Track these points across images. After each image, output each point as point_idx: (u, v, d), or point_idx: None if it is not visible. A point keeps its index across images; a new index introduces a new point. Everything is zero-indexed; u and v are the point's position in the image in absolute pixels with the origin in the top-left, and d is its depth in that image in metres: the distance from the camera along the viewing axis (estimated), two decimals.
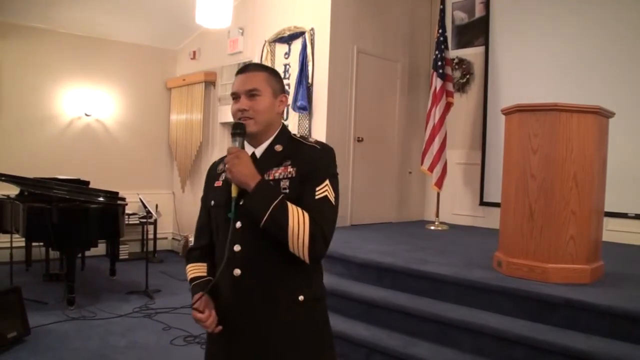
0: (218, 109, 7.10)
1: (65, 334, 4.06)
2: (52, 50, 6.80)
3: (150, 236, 6.91)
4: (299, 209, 1.48)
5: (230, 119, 6.40)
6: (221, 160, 1.73)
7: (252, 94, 1.58)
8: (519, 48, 5.50)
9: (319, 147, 1.60)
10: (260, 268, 1.53)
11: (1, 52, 6.46)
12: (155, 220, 6.64)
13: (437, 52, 5.53)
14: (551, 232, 3.11)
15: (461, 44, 6.08)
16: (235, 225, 1.53)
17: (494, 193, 5.45)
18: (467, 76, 5.98)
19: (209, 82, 7.16)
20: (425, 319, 3.14)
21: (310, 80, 5.23)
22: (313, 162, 1.56)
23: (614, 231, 4.71)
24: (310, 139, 1.65)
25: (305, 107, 5.21)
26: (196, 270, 1.70)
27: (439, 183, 5.44)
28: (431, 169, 5.42)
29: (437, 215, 5.61)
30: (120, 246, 6.61)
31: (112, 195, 5.27)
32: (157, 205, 7.13)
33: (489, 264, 3.55)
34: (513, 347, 2.75)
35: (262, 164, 1.57)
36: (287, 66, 5.56)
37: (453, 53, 5.97)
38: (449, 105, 5.52)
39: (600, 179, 3.26)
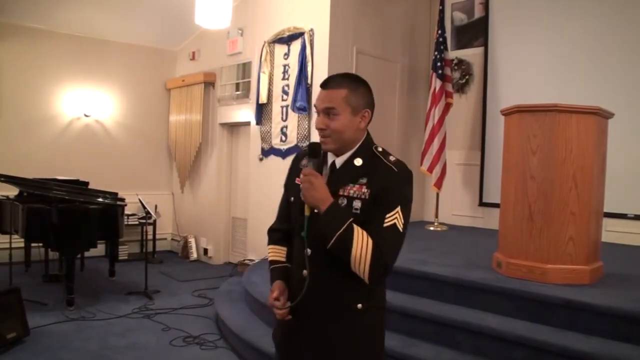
0: (217, 110, 7.10)
1: (65, 335, 4.06)
2: (52, 51, 6.80)
3: (150, 237, 6.91)
4: (365, 235, 1.52)
5: (230, 120, 6.41)
6: (306, 153, 1.76)
7: (329, 112, 1.60)
8: (518, 49, 5.50)
9: (396, 169, 1.60)
10: (325, 273, 1.61)
11: (1, 52, 6.45)
12: (155, 220, 6.63)
13: (436, 53, 5.53)
14: (550, 233, 3.11)
15: (460, 44, 6.08)
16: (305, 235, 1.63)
17: (493, 194, 5.45)
18: (467, 77, 5.98)
19: (209, 83, 7.17)
20: (425, 320, 3.14)
21: (309, 81, 5.23)
22: (387, 185, 1.57)
23: (613, 232, 4.71)
24: (391, 157, 1.64)
25: (305, 108, 5.21)
26: (276, 254, 1.81)
27: (439, 184, 5.44)
28: (430, 169, 5.42)
29: (437, 216, 5.62)
30: (120, 247, 6.62)
31: (112, 196, 5.27)
32: (156, 206, 7.13)
33: (488, 264, 3.55)
34: (513, 347, 2.75)
35: (340, 176, 1.63)
36: (287, 67, 5.56)
37: (452, 54, 5.97)
38: (448, 106, 5.52)
39: (599, 179, 3.26)
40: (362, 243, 1.50)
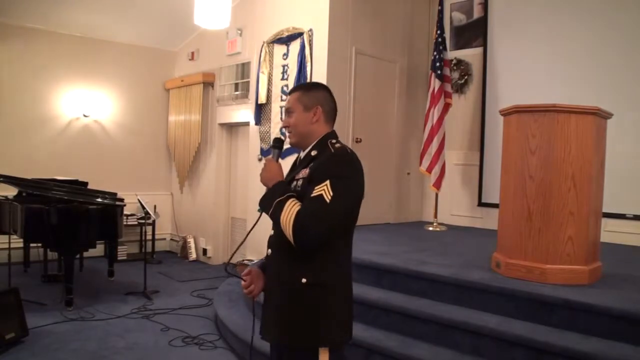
0: (217, 110, 7.10)
1: (64, 335, 4.06)
2: (51, 51, 6.80)
3: (149, 237, 6.91)
4: (294, 205, 1.72)
5: (229, 120, 6.46)
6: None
7: (288, 112, 1.93)
8: (517, 49, 5.50)
9: (333, 151, 1.81)
10: (280, 250, 1.84)
11: (0, 53, 6.45)
12: (154, 221, 6.63)
13: (435, 53, 5.54)
14: (549, 233, 3.11)
15: (459, 45, 6.09)
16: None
17: (492, 194, 5.46)
18: (466, 77, 5.98)
19: (208, 83, 7.17)
20: (424, 320, 3.14)
21: (309, 81, 5.23)
22: (320, 165, 1.78)
23: (612, 232, 4.71)
24: (337, 145, 1.85)
25: None
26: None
27: (438, 184, 5.44)
28: (429, 169, 5.42)
29: (436, 216, 5.61)
30: (119, 247, 6.61)
31: (111, 196, 5.27)
32: (155, 206, 7.12)
33: (487, 264, 3.56)
34: (512, 348, 2.75)
35: (300, 165, 1.91)
36: (286, 67, 5.56)
37: (451, 54, 5.97)
38: (447, 106, 5.52)
39: (598, 179, 3.26)
40: (287, 212, 1.71)
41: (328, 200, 1.68)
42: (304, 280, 1.77)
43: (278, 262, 1.86)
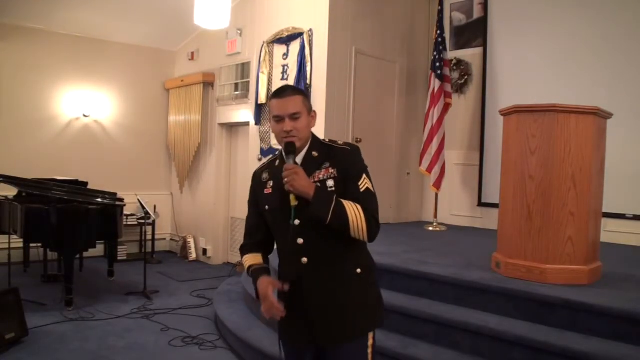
0: (216, 110, 7.10)
1: (64, 335, 4.06)
2: (51, 51, 6.80)
3: (149, 237, 6.91)
4: (353, 203, 1.78)
5: (229, 120, 6.39)
6: (262, 169, 2.03)
7: (295, 117, 1.85)
8: (517, 49, 5.50)
9: (349, 148, 1.90)
10: (323, 253, 1.86)
11: (0, 53, 6.45)
12: (154, 221, 6.62)
13: (435, 53, 5.53)
14: (549, 233, 3.11)
15: (459, 45, 6.08)
16: (296, 224, 1.84)
17: (492, 194, 5.46)
18: (466, 77, 5.98)
19: (208, 83, 7.17)
20: (424, 320, 3.14)
21: (308, 82, 5.23)
22: (348, 161, 1.87)
23: (612, 232, 4.71)
24: (339, 142, 1.94)
25: None
26: (252, 259, 2.01)
27: (437, 184, 5.44)
28: (429, 169, 5.42)
29: (436, 216, 5.61)
30: (119, 247, 6.61)
31: (111, 196, 5.27)
32: (155, 206, 7.12)
33: (487, 265, 3.55)
34: (512, 348, 2.75)
35: (305, 168, 1.85)
36: (286, 67, 5.56)
37: (451, 54, 5.97)
38: (447, 106, 5.51)
39: (598, 179, 3.26)
40: (354, 210, 1.77)
41: (373, 190, 1.86)
42: (358, 270, 1.89)
43: (325, 265, 1.86)
